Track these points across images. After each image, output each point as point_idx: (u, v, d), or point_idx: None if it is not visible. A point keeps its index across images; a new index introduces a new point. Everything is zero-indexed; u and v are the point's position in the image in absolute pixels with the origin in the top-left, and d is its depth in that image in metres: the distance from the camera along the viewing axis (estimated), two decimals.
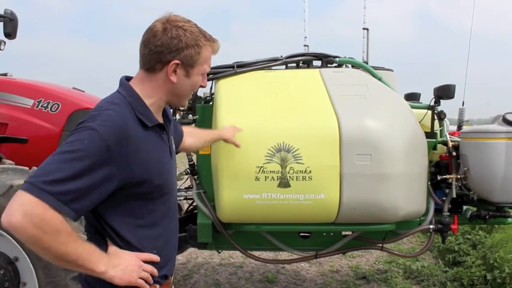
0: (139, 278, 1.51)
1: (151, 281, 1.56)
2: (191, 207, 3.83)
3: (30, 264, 2.68)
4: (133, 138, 1.45)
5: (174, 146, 1.78)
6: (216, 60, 3.09)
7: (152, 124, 1.55)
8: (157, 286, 1.62)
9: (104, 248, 1.51)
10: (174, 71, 1.55)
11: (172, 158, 1.71)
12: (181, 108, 3.05)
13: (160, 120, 1.64)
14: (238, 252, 3.38)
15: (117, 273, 1.45)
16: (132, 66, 1.78)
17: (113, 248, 1.52)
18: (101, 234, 1.54)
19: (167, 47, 1.52)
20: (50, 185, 1.28)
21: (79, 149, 1.34)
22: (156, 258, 1.59)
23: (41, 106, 3.59)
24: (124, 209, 1.52)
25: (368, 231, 3.11)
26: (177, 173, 3.30)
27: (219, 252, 5.15)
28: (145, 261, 1.55)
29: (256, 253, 3.63)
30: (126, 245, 1.54)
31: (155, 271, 1.58)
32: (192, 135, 2.31)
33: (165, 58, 1.53)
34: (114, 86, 1.62)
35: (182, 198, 3.66)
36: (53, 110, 3.59)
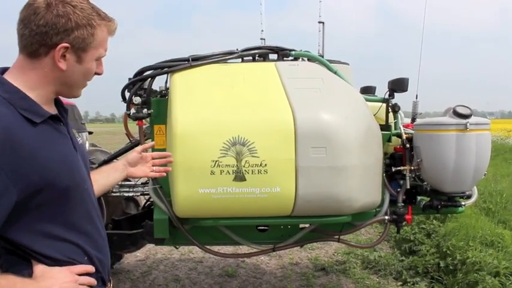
0: None
1: None
2: (148, 202, 3.77)
3: None
4: (22, 140, 1.21)
5: (77, 138, 1.53)
6: (183, 53, 3.05)
7: (42, 119, 1.30)
8: None
9: (23, 268, 1.30)
10: (63, 56, 1.31)
11: (78, 152, 1.46)
12: (136, 102, 2.97)
13: (53, 111, 1.39)
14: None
15: None
16: None
17: (39, 268, 1.30)
18: (15, 254, 1.30)
19: (53, 27, 1.27)
20: None
21: None
22: (90, 268, 1.41)
23: None
24: (37, 223, 1.29)
25: (325, 224, 3.13)
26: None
27: (177, 248, 5.11)
28: (80, 274, 1.37)
29: (215, 248, 3.60)
30: (53, 261, 1.32)
31: (93, 281, 1.40)
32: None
33: (51, 41, 1.28)
34: None
35: (139, 193, 3.60)
36: None
